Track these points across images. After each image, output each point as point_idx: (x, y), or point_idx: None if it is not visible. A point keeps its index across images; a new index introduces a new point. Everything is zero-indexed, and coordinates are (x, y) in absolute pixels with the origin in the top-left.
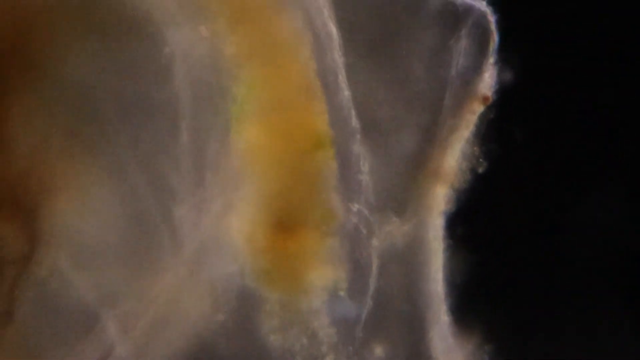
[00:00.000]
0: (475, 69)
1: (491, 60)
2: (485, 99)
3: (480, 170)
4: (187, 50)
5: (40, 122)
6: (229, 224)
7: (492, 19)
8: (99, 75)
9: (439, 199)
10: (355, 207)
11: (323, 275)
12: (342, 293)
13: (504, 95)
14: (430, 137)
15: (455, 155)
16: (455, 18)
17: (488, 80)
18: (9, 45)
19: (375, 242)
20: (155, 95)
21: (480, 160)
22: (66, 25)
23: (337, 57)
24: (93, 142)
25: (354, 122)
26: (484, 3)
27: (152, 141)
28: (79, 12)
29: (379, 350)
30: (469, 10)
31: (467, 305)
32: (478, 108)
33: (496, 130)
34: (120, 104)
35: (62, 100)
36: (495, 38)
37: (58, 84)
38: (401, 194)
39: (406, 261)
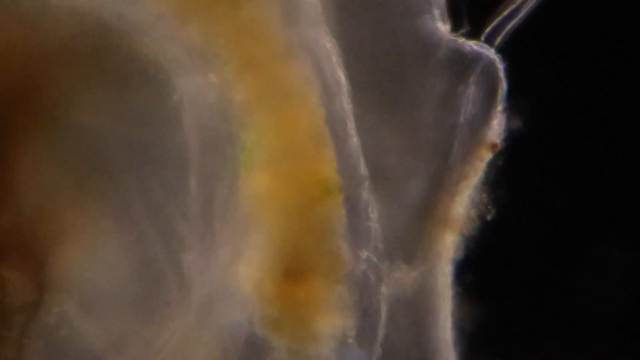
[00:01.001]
0: (484, 116)
1: (500, 107)
2: (493, 146)
3: (489, 217)
4: (196, 98)
5: (50, 171)
6: (237, 271)
7: (500, 66)
8: (109, 123)
9: (448, 246)
10: (364, 254)
11: (332, 322)
12: (351, 340)
13: (513, 143)
14: (439, 185)
15: (464, 203)
16: (463, 65)
17: (496, 128)
18: (20, 91)
19: (384, 289)
20: (164, 142)
21: (489, 207)
22: (77, 74)
23: (346, 104)
24: (102, 190)
25: (363, 170)
26: (493, 51)
27: (161, 188)
28: (90, 61)
29: None
30: (477, 57)
31: (476, 353)
32: (486, 155)
33: (505, 177)
34: (130, 152)
35: (72, 149)
36: (503, 85)
37: (68, 133)
38: (410, 241)
39: (415, 308)
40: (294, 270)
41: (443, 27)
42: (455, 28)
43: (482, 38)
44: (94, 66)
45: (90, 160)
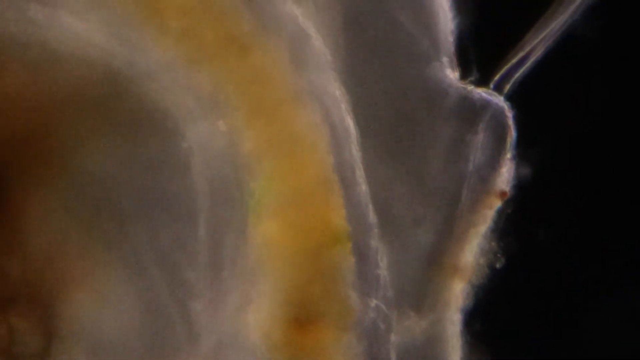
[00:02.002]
0: (493, 164)
1: (509, 155)
2: (502, 194)
3: (498, 265)
4: (205, 145)
5: (59, 218)
6: (246, 318)
7: (509, 114)
8: (118, 170)
9: (457, 295)
10: (373, 302)
11: None
12: None
13: (522, 191)
14: (448, 232)
15: (473, 251)
16: (472, 113)
17: (506, 176)
18: (29, 138)
19: (393, 337)
20: (173, 190)
21: (498, 255)
22: (86, 121)
23: (355, 151)
24: (111, 237)
25: (372, 217)
26: (502, 98)
27: (170, 236)
28: (99, 108)
29: None
30: (486, 105)
31: None
32: (496, 203)
33: (514, 225)
34: (139, 199)
35: (81, 195)
36: (512, 133)
37: (77, 180)
38: (419, 289)
39: (424, 357)
40: (302, 318)
41: (452, 75)
42: (464, 75)
43: (491, 85)
44: (103, 113)
45: (99, 207)
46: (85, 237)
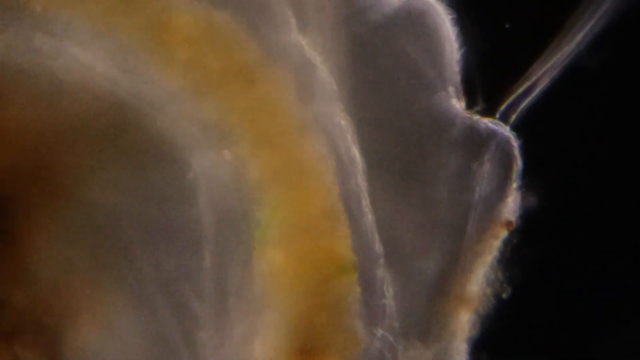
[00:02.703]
0: (499, 193)
1: (515, 185)
2: (508, 224)
3: (504, 295)
4: (210, 175)
5: (65, 248)
6: (251, 349)
7: (515, 144)
8: (123, 200)
9: (463, 325)
10: (379, 332)
11: None
12: None
13: (528, 221)
14: (454, 262)
15: (479, 281)
16: (478, 143)
17: (512, 206)
18: (34, 168)
19: None
20: (179, 220)
21: (504, 285)
22: (92, 151)
23: (361, 181)
24: (117, 267)
25: (378, 247)
26: (508, 128)
27: (175, 266)
28: (105, 138)
29: None
30: (492, 135)
31: None
32: (502, 233)
33: (520, 255)
34: (144, 229)
35: (86, 226)
36: (518, 163)
37: (82, 210)
38: (425, 319)
39: None
40: (308, 348)
41: (458, 105)
42: (470, 105)
43: (497, 115)
44: (109, 144)
45: (104, 237)
46: (90, 267)
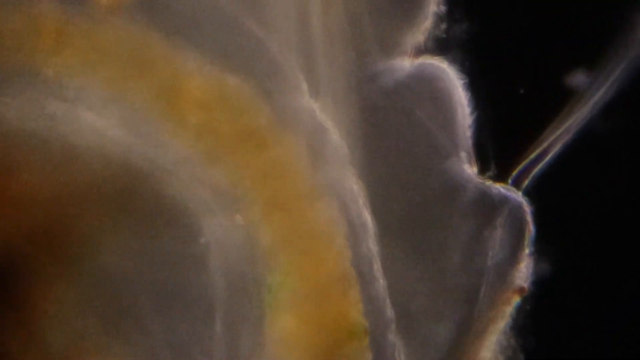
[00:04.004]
0: (511, 260)
1: (527, 251)
2: (521, 290)
3: None
4: (222, 240)
5: (76, 314)
6: None
7: (527, 210)
8: (134, 265)
9: None
10: None
11: None
12: None
13: (540, 287)
14: (466, 328)
15: (491, 347)
16: (490, 209)
17: (524, 272)
18: (46, 232)
19: None
20: (190, 285)
21: (517, 352)
22: (103, 215)
23: (372, 246)
24: (128, 333)
25: (389, 312)
26: (520, 194)
27: (187, 331)
28: (117, 203)
29: None
30: (504, 201)
31: None
32: (514, 299)
33: (533, 322)
34: (156, 295)
35: (98, 291)
36: (531, 229)
37: (94, 275)
38: None
39: None
40: None
41: (470, 170)
42: (482, 170)
43: (509, 181)
44: (120, 208)
45: (116, 303)
46: (101, 332)
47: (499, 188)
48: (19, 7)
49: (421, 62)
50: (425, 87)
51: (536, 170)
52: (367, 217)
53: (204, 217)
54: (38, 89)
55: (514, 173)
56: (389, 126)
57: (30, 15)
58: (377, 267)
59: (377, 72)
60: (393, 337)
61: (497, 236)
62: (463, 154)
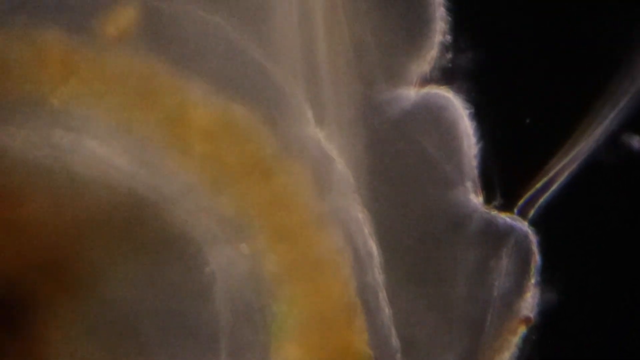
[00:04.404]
0: (517, 290)
1: (533, 281)
2: (527, 320)
3: None
4: (227, 269)
5: (82, 344)
6: None
7: (533, 239)
8: (140, 295)
9: None
10: None
11: None
12: None
13: (547, 317)
14: (472, 358)
15: None
16: (496, 238)
17: (530, 302)
18: (51, 263)
19: None
20: (196, 314)
21: None
22: (108, 245)
23: (378, 275)
24: None
25: (395, 342)
26: (525, 224)
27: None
28: (122, 233)
29: None
30: (510, 230)
31: None
32: (520, 329)
33: (539, 352)
34: (160, 324)
35: (104, 321)
36: (537, 259)
37: (99, 305)
38: None
39: None
40: None
41: (476, 199)
42: (487, 200)
43: (515, 211)
44: (126, 238)
45: (121, 332)
46: None
47: (504, 218)
48: (24, 37)
49: (427, 92)
50: (430, 116)
51: (542, 200)
52: (373, 246)
53: (210, 246)
54: (43, 118)
55: (520, 203)
56: (395, 155)
57: (36, 44)
58: (383, 296)
59: (382, 101)
60: None
61: (503, 266)
62: (469, 184)
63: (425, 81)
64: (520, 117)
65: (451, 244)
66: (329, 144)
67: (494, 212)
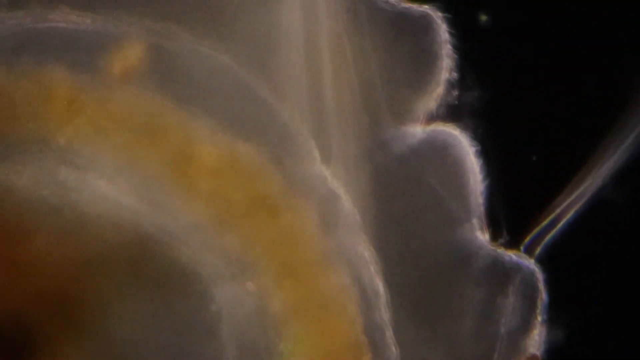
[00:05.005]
0: (524, 327)
1: (539, 318)
2: (533, 358)
3: None
4: (233, 307)
5: None
6: None
7: (540, 277)
8: (145, 332)
9: None
10: None
11: None
12: None
13: (553, 355)
14: None
15: None
16: (503, 276)
17: (536, 339)
18: (57, 300)
19: None
20: (201, 352)
21: None
22: (114, 283)
23: (384, 313)
24: None
25: None
26: (532, 261)
27: None
28: (128, 270)
29: None
30: (516, 268)
31: None
32: None
33: None
34: None
35: (108, 357)
36: (543, 297)
37: (105, 342)
38: None
39: None
40: None
41: (482, 237)
42: (494, 238)
43: (522, 248)
44: (132, 275)
45: None
46: None
47: (511, 255)
48: (30, 75)
49: (433, 129)
50: (437, 153)
51: (548, 237)
52: (379, 284)
53: (216, 284)
54: (49, 156)
55: (526, 240)
56: (401, 192)
57: (42, 83)
58: (390, 334)
59: (389, 138)
60: None
61: (510, 304)
62: (475, 221)
63: (432, 118)
64: (526, 154)
65: (457, 281)
66: (335, 182)
67: (501, 250)
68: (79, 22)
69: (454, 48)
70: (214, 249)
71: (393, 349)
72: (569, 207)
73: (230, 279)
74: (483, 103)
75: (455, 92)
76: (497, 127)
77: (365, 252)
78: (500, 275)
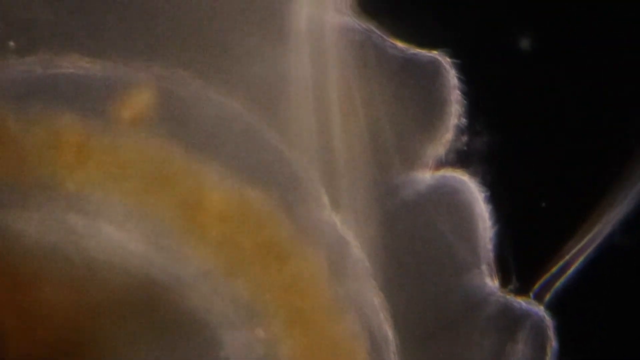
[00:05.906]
0: None
1: None
2: None
3: None
4: (243, 354)
5: None
6: None
7: (550, 324)
8: None
9: None
10: None
11: None
12: None
13: None
14: None
15: None
16: (512, 322)
17: None
18: (67, 347)
19: None
20: None
21: None
22: (124, 329)
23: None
24: None
25: None
26: (542, 308)
27: None
28: (137, 316)
29: None
30: (526, 315)
31: None
32: None
33: None
34: None
35: None
36: (553, 343)
37: None
38: None
39: None
40: None
41: (491, 283)
42: (503, 284)
43: (531, 295)
44: (140, 321)
45: None
46: None
47: (520, 302)
48: (40, 121)
49: (442, 175)
50: (446, 199)
51: (558, 284)
52: (389, 331)
53: (225, 331)
54: (59, 202)
55: (536, 287)
56: (410, 239)
57: (52, 129)
58: None
59: (398, 184)
60: None
61: (519, 350)
62: (484, 267)
63: (441, 164)
64: (536, 200)
65: (467, 327)
66: (344, 228)
67: (510, 296)
68: (89, 69)
69: (462, 93)
70: (223, 295)
71: None
72: (578, 253)
73: (240, 325)
74: (492, 149)
75: (464, 138)
76: (506, 173)
77: (374, 299)
78: (509, 321)
